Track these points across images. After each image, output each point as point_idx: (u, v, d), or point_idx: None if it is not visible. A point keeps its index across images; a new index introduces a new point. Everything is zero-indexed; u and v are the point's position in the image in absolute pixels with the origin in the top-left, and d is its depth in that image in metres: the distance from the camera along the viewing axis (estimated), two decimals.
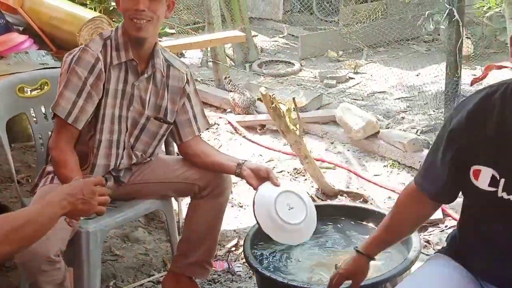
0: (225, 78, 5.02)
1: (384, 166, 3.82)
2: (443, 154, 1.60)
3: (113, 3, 3.60)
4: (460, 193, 1.67)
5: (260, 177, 2.22)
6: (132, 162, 2.30)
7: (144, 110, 2.23)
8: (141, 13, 2.04)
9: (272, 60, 6.62)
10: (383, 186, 3.55)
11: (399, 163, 3.80)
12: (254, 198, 2.19)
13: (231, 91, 4.83)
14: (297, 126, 3.30)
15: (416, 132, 4.07)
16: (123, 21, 2.18)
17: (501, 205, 1.50)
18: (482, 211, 1.59)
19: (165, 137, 2.36)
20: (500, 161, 1.49)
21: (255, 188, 2.21)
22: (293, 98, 3.45)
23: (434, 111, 4.46)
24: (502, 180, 1.48)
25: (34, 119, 2.56)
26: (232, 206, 3.35)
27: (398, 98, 5.09)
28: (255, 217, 2.17)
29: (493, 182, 1.50)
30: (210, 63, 5.97)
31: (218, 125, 4.60)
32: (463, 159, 1.55)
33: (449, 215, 3.11)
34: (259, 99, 4.54)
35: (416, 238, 2.18)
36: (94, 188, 1.60)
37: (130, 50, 2.14)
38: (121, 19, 3.41)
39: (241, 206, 3.37)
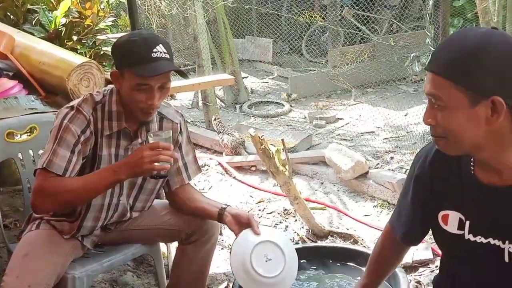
0: (215, 119, 5.05)
1: (374, 206, 3.82)
2: (411, 198, 1.67)
3: (104, 48, 3.64)
4: None
5: (242, 223, 2.17)
6: (124, 219, 2.28)
7: None
8: (154, 106, 2.02)
9: (262, 101, 6.69)
10: (373, 226, 3.54)
11: (388, 203, 3.80)
12: (231, 248, 2.15)
13: (220, 132, 4.86)
14: (287, 167, 3.31)
15: (405, 172, 4.08)
16: (115, 87, 2.10)
17: (468, 247, 1.52)
18: (451, 254, 1.64)
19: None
20: (464, 204, 1.53)
21: (236, 235, 2.17)
22: (282, 139, 3.47)
23: None
24: (467, 223, 1.52)
25: (22, 162, 2.56)
26: (222, 249, 3.32)
27: (387, 138, 5.14)
28: (231, 268, 2.13)
29: (460, 225, 1.53)
30: (201, 105, 6.02)
31: (209, 166, 4.61)
32: (430, 205, 1.60)
33: (440, 255, 3.09)
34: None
35: (404, 281, 2.18)
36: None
37: (123, 119, 2.09)
38: (111, 63, 3.47)
39: (231, 249, 3.34)
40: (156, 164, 1.92)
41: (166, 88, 2.04)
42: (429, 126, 1.43)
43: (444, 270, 1.72)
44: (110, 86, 2.15)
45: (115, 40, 3.77)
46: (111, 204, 2.18)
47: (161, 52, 1.97)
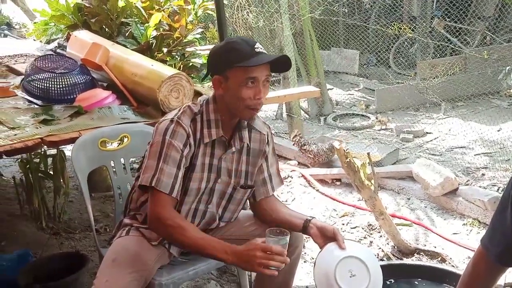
0: (295, 136, 4.97)
1: (464, 224, 3.68)
2: (508, 214, 1.56)
3: (192, 60, 3.73)
4: None
5: (327, 236, 2.14)
6: (210, 227, 2.31)
7: (231, 179, 2.23)
8: (261, 102, 2.07)
9: (347, 114, 6.62)
10: (462, 245, 3.41)
11: (479, 221, 3.65)
12: (315, 260, 2.13)
13: (304, 144, 4.82)
14: (372, 181, 3.24)
15: (498, 190, 3.91)
16: (211, 96, 2.16)
17: None
18: None
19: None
20: None
21: (321, 248, 2.14)
22: (368, 153, 3.40)
23: None
24: None
25: (114, 170, 2.65)
26: (304, 262, 3.30)
27: (478, 154, 4.94)
28: (314, 281, 2.10)
29: None
30: (285, 116, 6.03)
31: (292, 178, 4.60)
32: None
33: None
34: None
35: None
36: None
37: (221, 127, 2.14)
38: (200, 75, 3.55)
39: (314, 262, 3.30)
40: (266, 269, 1.91)
41: (267, 83, 2.09)
42: None
43: None
44: (205, 97, 2.19)
45: (203, 52, 3.89)
46: (197, 210, 2.22)
47: (261, 48, 2.05)
